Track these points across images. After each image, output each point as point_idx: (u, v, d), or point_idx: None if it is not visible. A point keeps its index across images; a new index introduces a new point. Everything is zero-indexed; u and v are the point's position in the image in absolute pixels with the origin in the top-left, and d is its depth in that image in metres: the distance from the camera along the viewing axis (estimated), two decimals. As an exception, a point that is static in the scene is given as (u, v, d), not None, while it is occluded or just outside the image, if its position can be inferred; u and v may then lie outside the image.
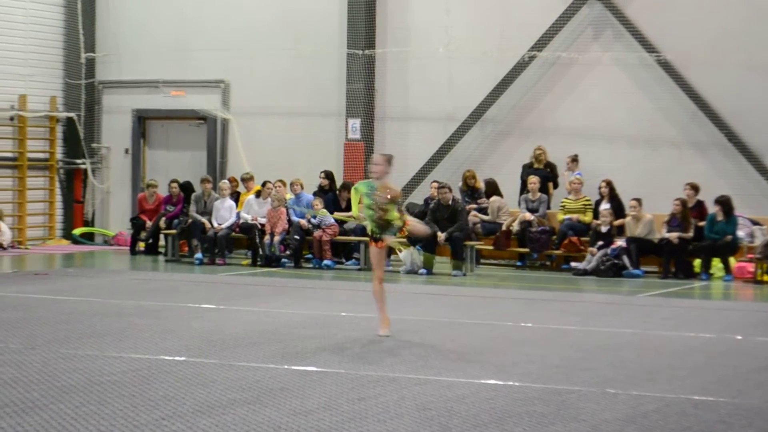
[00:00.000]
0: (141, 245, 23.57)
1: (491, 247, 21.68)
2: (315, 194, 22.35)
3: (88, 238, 26.16)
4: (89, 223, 26.43)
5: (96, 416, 8.05)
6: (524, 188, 22.01)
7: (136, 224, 23.77)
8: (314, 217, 21.49)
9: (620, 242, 20.25)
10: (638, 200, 20.53)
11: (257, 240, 21.59)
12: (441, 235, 20.29)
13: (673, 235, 20.00)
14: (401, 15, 23.82)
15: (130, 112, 26.19)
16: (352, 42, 23.81)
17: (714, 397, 9.22)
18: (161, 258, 22.76)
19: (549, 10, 22.47)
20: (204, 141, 25.59)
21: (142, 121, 26.31)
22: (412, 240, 20.74)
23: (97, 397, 8.72)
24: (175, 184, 23.45)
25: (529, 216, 21.32)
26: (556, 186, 22.25)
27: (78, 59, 26.05)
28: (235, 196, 23.06)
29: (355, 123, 23.73)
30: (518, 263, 21.77)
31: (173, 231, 22.56)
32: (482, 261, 21.94)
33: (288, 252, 21.47)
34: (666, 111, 21.94)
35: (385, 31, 23.91)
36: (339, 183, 22.70)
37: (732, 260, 20.01)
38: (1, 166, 24.97)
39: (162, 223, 23.05)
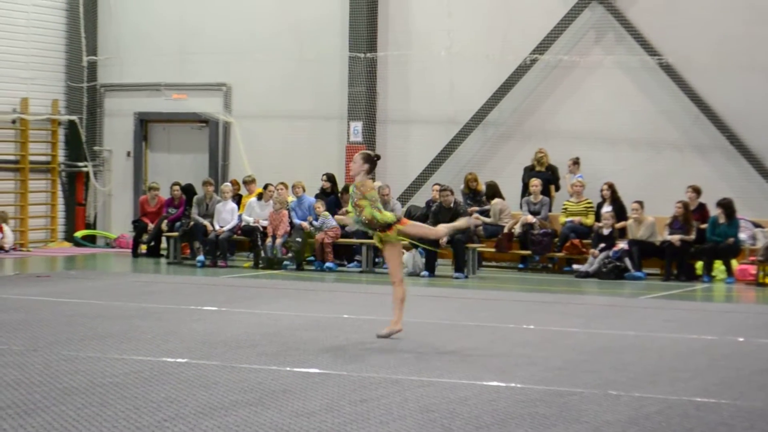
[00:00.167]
0: (143, 248, 23.58)
1: (493, 250, 21.67)
2: (317, 197, 22.36)
3: (90, 240, 26.17)
4: (91, 226, 26.44)
5: (98, 418, 8.06)
6: (526, 191, 22.01)
7: (138, 227, 23.78)
8: (316, 218, 21.49)
9: (622, 245, 20.25)
10: (640, 203, 20.53)
11: (259, 242, 21.60)
12: (443, 238, 20.27)
13: (675, 238, 20.00)
14: (403, 18, 23.83)
15: (132, 115, 26.20)
16: (354, 45, 23.82)
17: (716, 399, 9.22)
18: (163, 260, 22.77)
19: (551, 13, 22.48)
20: (206, 144, 25.60)
21: (144, 123, 26.32)
22: (414, 242, 20.74)
23: (99, 398, 8.72)
24: (177, 187, 23.46)
25: (530, 218, 21.32)
26: (557, 189, 22.26)
27: (80, 62, 26.07)
28: (237, 199, 23.07)
29: (357, 126, 23.74)
30: (520, 266, 21.77)
31: (175, 233, 22.57)
32: (484, 263, 21.94)
33: (290, 254, 21.48)
34: (668, 114, 21.94)
35: (387, 35, 23.92)
36: (341, 186, 22.70)
37: (734, 263, 20.01)
38: (4, 168, 24.99)
39: (164, 225, 23.06)
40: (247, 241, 22.28)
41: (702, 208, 20.67)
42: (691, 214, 20.30)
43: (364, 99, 23.75)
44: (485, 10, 23.28)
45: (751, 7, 21.44)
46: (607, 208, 20.97)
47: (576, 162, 22.04)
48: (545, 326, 13.61)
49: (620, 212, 20.97)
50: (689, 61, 21.60)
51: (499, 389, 9.49)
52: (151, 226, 23.42)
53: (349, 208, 12.34)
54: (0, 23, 24.64)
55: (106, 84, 26.40)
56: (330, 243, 21.26)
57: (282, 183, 22.34)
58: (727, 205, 20.04)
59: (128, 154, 26.36)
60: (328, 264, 21.18)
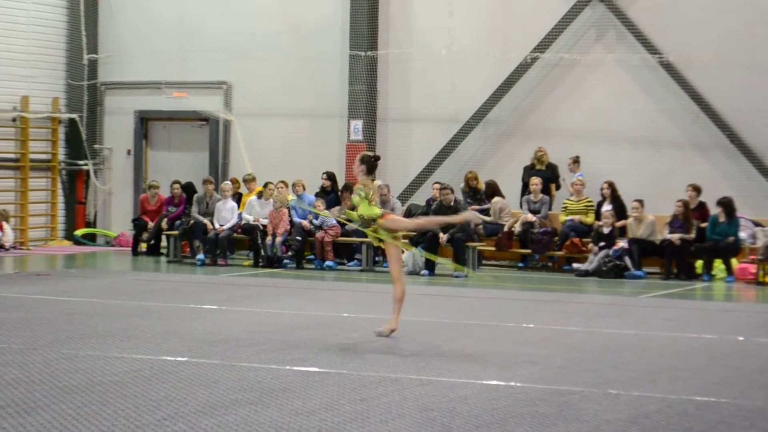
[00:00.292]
0: (143, 246, 23.58)
1: (493, 248, 21.67)
2: (317, 195, 22.36)
3: (90, 239, 26.17)
4: (91, 224, 26.44)
5: (98, 417, 8.06)
6: (526, 189, 22.01)
7: (138, 225, 23.79)
8: (316, 217, 21.49)
9: (622, 243, 20.25)
10: (640, 201, 20.53)
11: (259, 241, 21.60)
12: (443, 236, 20.28)
13: (675, 237, 20.00)
14: (404, 16, 23.82)
15: (132, 113, 26.19)
16: (354, 43, 23.81)
17: (716, 398, 9.22)
18: (163, 259, 22.78)
19: (551, 11, 22.47)
20: (206, 142, 25.59)
21: (145, 122, 26.32)
22: (414, 241, 20.76)
23: (98, 397, 8.72)
24: (177, 185, 23.46)
25: (531, 217, 21.31)
26: (558, 187, 22.25)
27: (80, 60, 26.07)
28: (237, 197, 23.07)
29: (358, 124, 23.74)
30: (520, 264, 21.77)
31: (175, 232, 22.57)
32: (484, 262, 21.94)
33: (290, 253, 21.48)
34: (668, 112, 21.93)
35: (388, 33, 23.91)
36: (341, 184, 22.69)
37: (734, 261, 20.00)
38: (4, 167, 24.99)
39: (164, 224, 23.06)
40: (247, 239, 22.28)
41: (702, 206, 20.67)
42: (691, 213, 20.29)
43: (364, 97, 23.74)
44: (486, 9, 23.27)
45: (752, 6, 21.43)
46: (607, 207, 20.97)
47: (576, 160, 22.03)
48: (545, 325, 13.61)
49: (620, 211, 20.96)
50: (690, 60, 21.59)
51: (498, 388, 9.49)
52: (151, 224, 23.43)
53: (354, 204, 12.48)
54: (0, 21, 24.63)
55: (106, 82, 26.39)
56: (330, 241, 21.27)
57: (282, 181, 22.35)
58: (727, 204, 20.03)
59: (128, 152, 26.36)
60: (328, 262, 21.19)
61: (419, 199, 22.91)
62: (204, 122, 25.58)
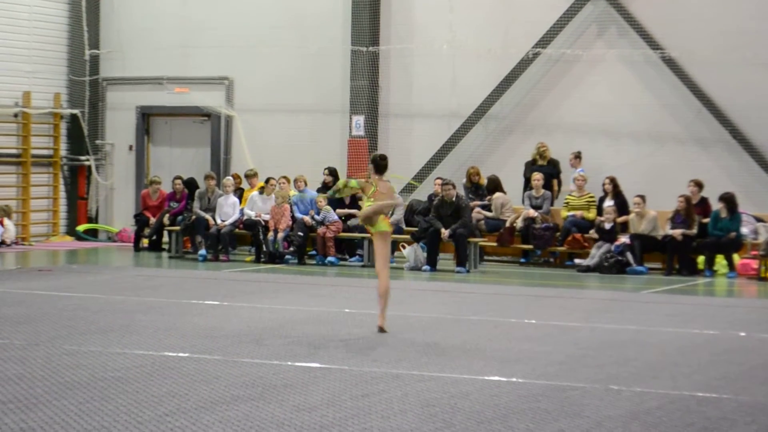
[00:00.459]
0: (145, 242, 23.58)
1: (495, 244, 21.67)
2: (318, 191, 22.35)
3: (92, 234, 26.17)
4: (93, 220, 26.45)
5: (100, 412, 8.06)
6: (527, 185, 22.00)
7: (140, 221, 23.78)
8: (318, 213, 21.50)
9: (624, 239, 20.24)
10: (642, 197, 20.52)
11: (261, 236, 21.59)
12: (445, 232, 20.28)
13: (677, 232, 19.98)
14: (405, 12, 23.81)
15: (134, 108, 26.18)
16: (356, 39, 23.79)
17: (717, 393, 9.22)
18: (165, 254, 22.77)
19: (553, 7, 22.45)
20: (208, 138, 25.59)
21: (146, 117, 26.31)
22: (416, 237, 20.77)
23: (100, 393, 8.73)
24: (178, 181, 23.46)
25: (532, 213, 21.31)
26: (559, 183, 22.24)
27: (82, 56, 26.06)
28: (239, 193, 23.07)
29: (359, 120, 23.73)
30: (522, 260, 21.76)
31: (177, 227, 22.56)
32: (486, 258, 21.94)
33: (291, 248, 21.48)
34: (670, 108, 21.91)
35: (389, 28, 23.90)
36: (342, 182, 22.63)
37: (736, 257, 19.99)
38: (6, 162, 24.99)
39: (166, 219, 23.05)
40: (248, 235, 22.27)
41: (704, 202, 20.66)
42: (693, 209, 20.28)
43: (366, 93, 23.73)
44: (487, 4, 23.24)
45: (755, 1, 21.41)
46: (609, 203, 20.96)
47: (578, 156, 22.02)
48: (547, 321, 13.61)
49: (622, 206, 20.95)
50: (692, 55, 21.57)
51: (500, 384, 9.49)
52: (152, 220, 23.42)
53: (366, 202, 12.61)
54: (2, 17, 24.61)
55: (108, 78, 26.38)
56: (332, 237, 21.27)
57: (284, 177, 22.35)
58: (729, 200, 20.02)
59: (130, 147, 26.36)
60: (329, 258, 21.18)
61: (421, 194, 22.91)
62: (206, 118, 25.57)
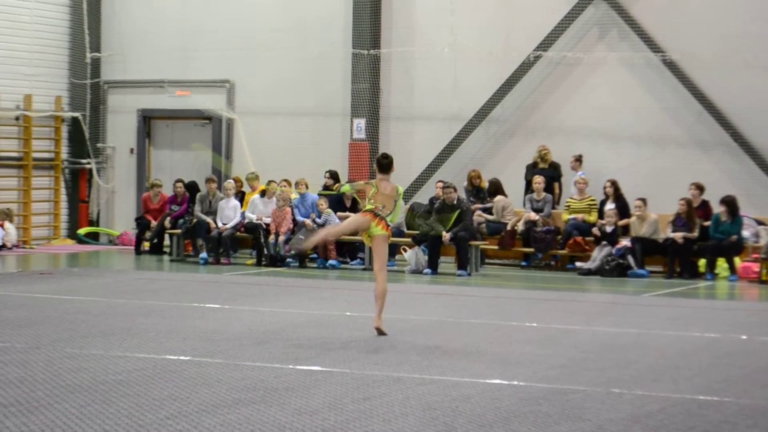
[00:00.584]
0: (146, 245, 23.58)
1: (496, 247, 21.66)
2: (320, 194, 22.34)
3: (93, 237, 26.18)
4: (94, 223, 26.45)
5: (101, 415, 8.06)
6: (529, 188, 22.00)
7: (141, 224, 23.78)
8: (319, 216, 21.50)
9: (625, 242, 20.23)
10: (643, 200, 20.52)
11: (262, 240, 21.60)
12: (446, 235, 20.28)
13: (678, 235, 19.98)
14: (406, 15, 23.81)
15: (135, 111, 26.19)
16: (357, 42, 23.80)
17: (719, 397, 9.22)
18: (166, 258, 22.78)
19: (554, 9, 22.45)
20: (209, 141, 25.57)
21: (147, 120, 26.32)
22: (417, 240, 20.77)
23: (101, 396, 8.73)
24: (180, 184, 23.46)
25: (533, 216, 21.30)
26: (560, 186, 22.23)
27: (83, 59, 26.06)
28: (240, 196, 23.07)
29: (360, 123, 23.73)
30: (523, 263, 21.76)
31: (178, 231, 22.57)
32: (487, 261, 21.93)
33: (293, 252, 21.47)
34: (671, 111, 21.91)
35: (390, 31, 23.90)
36: (344, 182, 22.67)
37: (737, 260, 19.99)
38: (7, 165, 25.00)
39: (167, 222, 23.06)
40: (249, 238, 22.27)
41: (705, 205, 20.65)
42: (694, 212, 20.28)
43: (367, 96, 23.73)
44: (488, 7, 23.25)
45: (756, 4, 21.41)
46: (610, 206, 20.95)
47: (579, 159, 22.02)
48: (548, 324, 13.61)
49: (623, 209, 20.95)
50: (693, 58, 21.57)
51: (501, 387, 9.49)
52: (154, 223, 23.43)
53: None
54: (4, 20, 24.63)
55: (109, 81, 26.39)
56: (333, 240, 21.26)
57: (285, 180, 22.36)
58: (730, 203, 20.01)
59: (131, 151, 26.37)
60: (331, 261, 21.18)
61: (422, 197, 22.91)
62: (207, 121, 25.57)
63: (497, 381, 9.73)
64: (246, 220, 22.04)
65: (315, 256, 21.70)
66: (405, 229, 21.49)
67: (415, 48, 23.64)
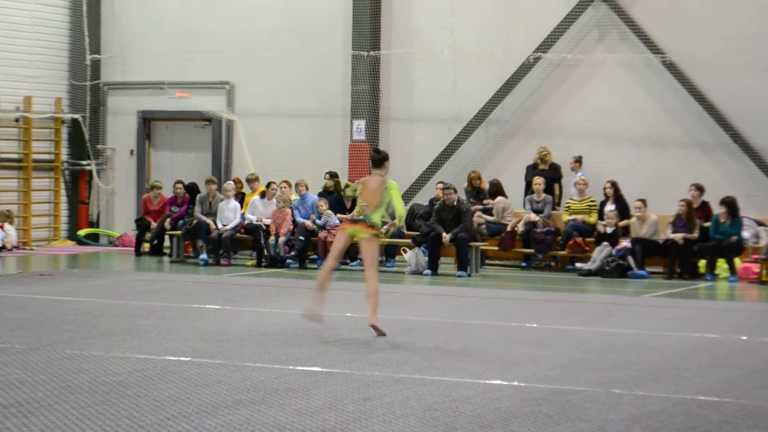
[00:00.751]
0: (146, 246, 23.58)
1: (496, 248, 21.66)
2: (320, 195, 22.36)
3: (93, 239, 26.18)
4: (94, 224, 26.46)
5: (101, 416, 8.06)
6: (529, 189, 22.00)
7: (141, 225, 23.79)
8: (319, 217, 21.51)
9: (625, 243, 20.24)
10: (643, 201, 20.52)
11: (262, 241, 21.60)
12: (446, 236, 20.28)
13: (678, 236, 19.98)
14: (406, 16, 23.82)
15: (135, 113, 26.20)
16: (357, 43, 23.81)
17: (719, 397, 9.22)
18: (166, 259, 22.78)
19: (554, 11, 22.46)
20: (209, 142, 25.60)
21: (147, 122, 26.33)
22: (417, 241, 20.77)
23: (102, 397, 8.73)
24: (180, 185, 23.46)
25: (534, 217, 21.30)
26: (560, 187, 22.24)
27: (83, 61, 26.07)
28: (240, 197, 23.08)
29: (360, 124, 23.74)
30: (523, 264, 21.76)
31: (178, 232, 22.57)
32: (487, 262, 21.94)
33: (293, 253, 21.48)
34: (671, 112, 21.91)
35: (390, 33, 23.91)
36: (343, 184, 22.68)
37: (737, 261, 19.99)
38: (7, 167, 25.01)
39: (167, 224, 23.06)
40: (249, 239, 22.28)
41: (705, 206, 20.66)
42: (694, 213, 20.28)
43: (367, 97, 23.74)
44: (488, 9, 23.26)
45: (756, 5, 21.41)
46: (610, 207, 20.96)
47: (578, 160, 22.03)
48: (548, 325, 13.61)
49: (623, 210, 20.95)
50: (693, 59, 21.57)
51: (501, 388, 9.49)
52: (154, 224, 23.43)
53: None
54: (4, 21, 24.65)
55: (109, 82, 26.40)
56: (333, 241, 21.23)
57: (285, 181, 22.36)
58: (730, 204, 20.02)
59: (131, 152, 26.38)
60: (331, 262, 21.15)
61: (422, 198, 22.91)
62: (207, 122, 25.58)
63: (497, 382, 9.73)
64: (246, 222, 22.04)
65: (315, 257, 21.71)
66: (405, 230, 21.48)
67: (415, 49, 23.64)
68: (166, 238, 23.22)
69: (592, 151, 22.20)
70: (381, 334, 12.22)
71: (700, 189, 20.72)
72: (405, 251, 21.18)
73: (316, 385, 9.43)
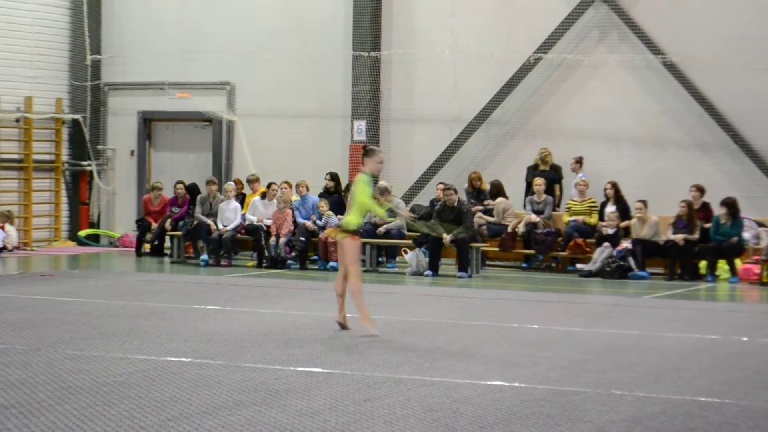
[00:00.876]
0: (146, 247, 23.58)
1: (497, 249, 21.67)
2: (320, 196, 22.36)
3: (94, 239, 26.18)
4: (95, 225, 26.47)
5: (102, 417, 8.06)
6: (529, 190, 22.00)
7: (142, 226, 23.79)
8: (320, 218, 21.51)
9: (626, 244, 20.23)
10: (644, 202, 20.51)
11: (263, 242, 21.60)
12: (447, 237, 20.27)
13: (679, 237, 19.98)
14: (407, 17, 23.83)
15: (135, 113, 26.21)
16: (357, 44, 23.82)
17: (720, 398, 9.21)
18: (167, 259, 22.78)
19: (554, 12, 22.46)
20: (209, 143, 25.60)
21: (148, 122, 26.34)
22: (418, 242, 20.77)
23: (103, 398, 8.73)
24: (180, 186, 23.47)
25: (534, 218, 21.30)
26: (561, 188, 22.24)
27: (84, 61, 26.08)
28: (241, 198, 23.08)
29: (361, 125, 23.74)
30: (524, 265, 21.76)
31: (179, 233, 22.57)
32: (488, 263, 21.93)
33: (293, 253, 21.48)
34: (672, 113, 21.91)
35: (391, 33, 23.91)
36: (344, 185, 22.69)
37: (738, 262, 19.99)
38: (7, 167, 25.01)
39: (167, 224, 23.06)
40: (250, 240, 22.27)
41: (706, 207, 20.65)
42: (695, 214, 20.28)
43: (367, 98, 23.75)
44: (489, 9, 23.26)
45: (756, 6, 21.41)
46: (611, 208, 20.95)
47: (579, 161, 22.03)
48: (549, 326, 13.61)
49: (624, 211, 20.95)
50: (693, 60, 21.57)
51: (502, 389, 9.49)
52: (154, 225, 23.43)
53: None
54: (4, 22, 24.66)
55: (109, 83, 26.41)
56: (333, 242, 21.25)
57: (286, 182, 22.36)
58: (731, 205, 20.02)
59: (132, 153, 26.38)
60: (331, 263, 21.14)
61: (423, 199, 22.92)
62: (207, 123, 25.59)
63: (498, 382, 9.73)
64: (246, 222, 22.04)
65: (316, 258, 21.70)
66: (405, 231, 21.48)
67: (416, 50, 23.65)
68: (167, 238, 23.23)
69: (593, 152, 22.21)
70: (344, 328, 12.60)
71: (700, 190, 20.72)
72: (406, 252, 21.18)
73: (316, 386, 9.43)
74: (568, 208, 21.65)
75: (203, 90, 25.52)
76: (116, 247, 25.73)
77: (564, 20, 22.40)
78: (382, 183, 21.04)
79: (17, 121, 25.03)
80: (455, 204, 20.60)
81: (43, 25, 25.55)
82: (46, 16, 25.61)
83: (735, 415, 8.58)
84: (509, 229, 21.51)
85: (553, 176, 22.09)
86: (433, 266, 20.46)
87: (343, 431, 7.82)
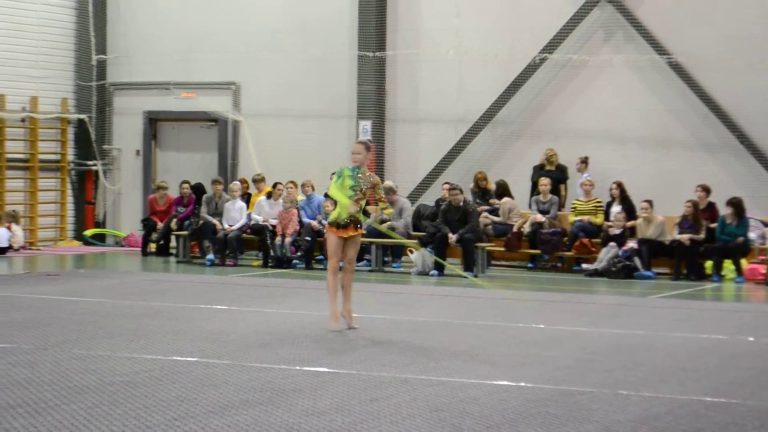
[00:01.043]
0: (152, 246, 23.61)
1: (502, 249, 21.66)
2: (326, 196, 22.35)
3: (100, 239, 26.21)
4: (100, 225, 26.49)
5: (108, 417, 8.07)
6: (535, 190, 22.01)
7: (148, 225, 23.82)
8: (326, 217, 21.50)
9: (632, 244, 20.23)
10: (649, 202, 20.51)
11: (268, 241, 21.61)
12: (452, 237, 20.28)
13: (685, 237, 19.97)
14: (411, 17, 23.83)
15: (141, 113, 26.24)
16: (362, 44, 23.82)
17: (726, 398, 9.21)
18: (172, 259, 22.80)
19: (559, 12, 22.46)
20: (215, 142, 25.62)
21: (154, 122, 26.36)
22: (423, 241, 20.77)
23: (109, 397, 8.74)
24: (186, 186, 23.49)
25: (540, 217, 21.30)
26: (566, 188, 22.24)
27: (89, 61, 26.12)
28: (246, 198, 23.10)
29: (366, 125, 23.75)
30: (529, 265, 21.76)
31: (184, 232, 22.59)
32: (493, 262, 21.93)
33: (299, 253, 21.49)
34: (677, 113, 21.90)
35: (396, 33, 23.92)
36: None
37: (743, 262, 19.98)
38: (13, 167, 25.04)
39: (173, 224, 23.09)
40: (256, 239, 22.29)
41: (711, 207, 20.65)
42: (700, 214, 20.27)
43: (373, 98, 23.76)
44: (493, 10, 23.26)
45: (761, 6, 21.40)
46: (616, 208, 20.95)
47: (584, 161, 22.02)
48: (554, 325, 13.60)
49: (630, 211, 20.95)
50: (699, 60, 21.56)
51: (509, 389, 9.49)
52: (160, 224, 23.46)
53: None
54: (10, 22, 24.69)
55: (115, 83, 26.44)
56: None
57: (291, 181, 22.37)
58: (736, 205, 20.01)
59: (137, 152, 26.41)
60: (337, 263, 21.15)
61: (428, 199, 22.92)
62: (213, 123, 25.61)
63: (504, 382, 9.73)
64: (252, 222, 22.06)
65: (321, 257, 21.71)
66: (411, 230, 21.48)
67: (421, 50, 23.65)
68: (173, 238, 23.25)
69: (598, 152, 22.20)
70: (350, 327, 12.71)
71: (706, 190, 20.70)
72: (411, 252, 21.18)
73: (323, 385, 9.43)
74: (574, 208, 21.65)
75: (209, 90, 25.54)
76: (122, 246, 25.75)
77: (569, 20, 22.40)
78: (387, 182, 21.08)
79: (23, 120, 25.06)
80: (461, 204, 20.60)
81: (49, 25, 25.58)
82: (52, 16, 25.65)
83: (741, 415, 8.57)
84: (515, 229, 21.51)
85: (559, 176, 22.09)
86: (439, 266, 20.41)
87: (349, 431, 7.83)
